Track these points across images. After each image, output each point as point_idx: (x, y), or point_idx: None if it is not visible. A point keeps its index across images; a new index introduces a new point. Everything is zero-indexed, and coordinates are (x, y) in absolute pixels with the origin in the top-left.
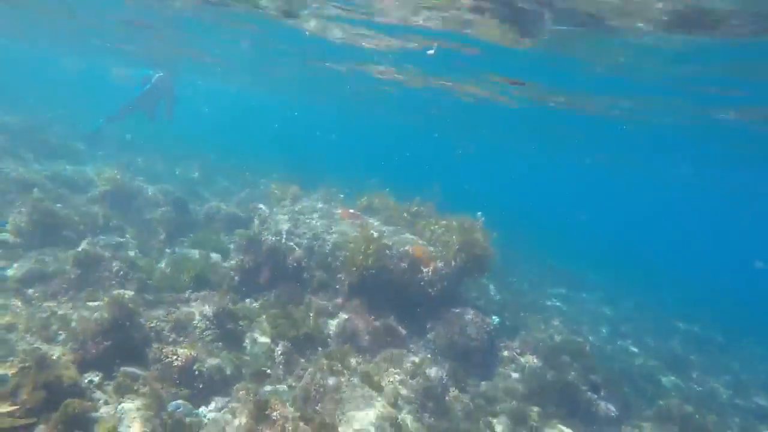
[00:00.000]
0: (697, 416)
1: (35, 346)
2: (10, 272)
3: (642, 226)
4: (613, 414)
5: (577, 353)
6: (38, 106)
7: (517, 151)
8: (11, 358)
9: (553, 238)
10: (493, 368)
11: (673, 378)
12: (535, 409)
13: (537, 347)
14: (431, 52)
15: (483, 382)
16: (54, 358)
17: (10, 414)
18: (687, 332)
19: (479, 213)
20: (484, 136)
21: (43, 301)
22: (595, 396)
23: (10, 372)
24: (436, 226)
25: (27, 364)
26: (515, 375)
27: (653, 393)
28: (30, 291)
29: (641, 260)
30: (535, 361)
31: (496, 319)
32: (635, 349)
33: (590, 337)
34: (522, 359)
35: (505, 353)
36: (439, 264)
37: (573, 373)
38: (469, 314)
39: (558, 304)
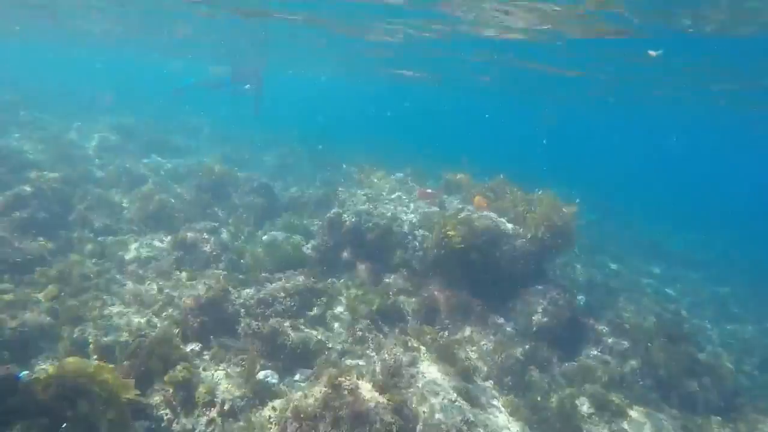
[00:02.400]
0: None
1: (147, 319)
2: (126, 255)
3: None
4: (718, 404)
5: (672, 335)
6: (150, 109)
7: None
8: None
9: (653, 211)
10: (577, 349)
11: None
12: (621, 395)
13: (626, 328)
14: (653, 53)
15: (566, 363)
16: (163, 330)
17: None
18: None
19: (577, 199)
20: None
21: (152, 280)
22: (695, 383)
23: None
24: (519, 203)
25: (142, 335)
26: (602, 357)
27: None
28: (141, 271)
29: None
30: (624, 343)
31: (581, 298)
32: (750, 333)
33: (692, 320)
34: (609, 341)
35: (591, 334)
36: (520, 241)
37: (665, 356)
38: (552, 292)
39: (653, 282)
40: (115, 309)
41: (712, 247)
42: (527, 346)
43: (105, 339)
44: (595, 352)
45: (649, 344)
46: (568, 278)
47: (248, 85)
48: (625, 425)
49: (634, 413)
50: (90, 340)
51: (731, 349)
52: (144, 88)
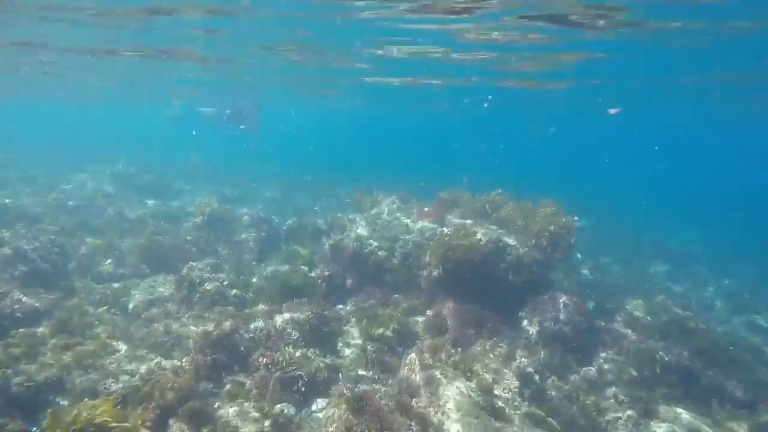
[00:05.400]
0: None
1: (157, 361)
2: (130, 299)
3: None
4: (742, 396)
5: (686, 331)
6: (144, 154)
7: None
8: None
9: (652, 210)
10: (593, 353)
11: None
12: (643, 393)
13: (639, 328)
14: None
15: (582, 368)
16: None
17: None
18: None
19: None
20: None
21: (158, 321)
22: (716, 375)
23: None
24: (518, 215)
25: (152, 376)
26: (617, 358)
27: None
28: (146, 314)
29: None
30: (639, 342)
31: (590, 303)
32: (764, 323)
33: (702, 314)
34: (623, 342)
35: (605, 336)
36: (523, 251)
37: (684, 352)
38: (561, 299)
39: (660, 281)
40: (123, 354)
41: (711, 242)
42: (542, 355)
43: (115, 386)
44: (612, 354)
45: (664, 341)
46: (575, 283)
47: (243, 126)
48: (652, 425)
49: (660, 411)
50: (99, 389)
51: (749, 339)
52: (137, 136)
